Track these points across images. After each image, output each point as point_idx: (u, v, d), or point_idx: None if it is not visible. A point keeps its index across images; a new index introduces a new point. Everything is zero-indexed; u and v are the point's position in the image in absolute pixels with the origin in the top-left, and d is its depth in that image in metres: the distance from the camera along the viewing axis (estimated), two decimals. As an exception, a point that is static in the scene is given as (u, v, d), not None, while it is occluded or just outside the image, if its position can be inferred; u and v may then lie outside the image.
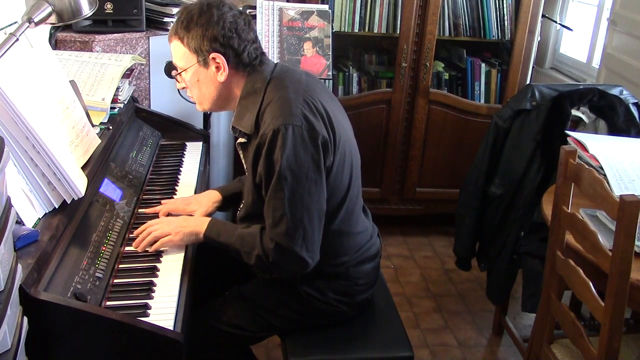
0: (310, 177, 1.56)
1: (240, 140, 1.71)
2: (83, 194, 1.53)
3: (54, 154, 1.45)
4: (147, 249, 1.66)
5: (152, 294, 1.49)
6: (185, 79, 1.70)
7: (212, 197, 1.93)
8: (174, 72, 1.73)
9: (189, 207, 1.87)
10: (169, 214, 1.83)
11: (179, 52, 1.67)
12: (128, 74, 2.23)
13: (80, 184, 1.53)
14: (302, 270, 1.62)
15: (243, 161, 1.77)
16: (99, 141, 1.84)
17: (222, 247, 1.69)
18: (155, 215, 1.82)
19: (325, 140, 1.58)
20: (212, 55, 1.62)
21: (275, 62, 1.75)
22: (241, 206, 1.80)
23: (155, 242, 1.66)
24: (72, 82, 1.87)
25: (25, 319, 1.13)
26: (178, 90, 2.68)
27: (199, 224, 1.70)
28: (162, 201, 1.89)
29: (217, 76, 1.65)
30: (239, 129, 1.67)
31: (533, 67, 3.34)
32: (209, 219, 1.72)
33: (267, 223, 1.60)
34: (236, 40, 1.62)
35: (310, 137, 1.55)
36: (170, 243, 1.67)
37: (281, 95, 1.60)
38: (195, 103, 1.77)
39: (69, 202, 1.50)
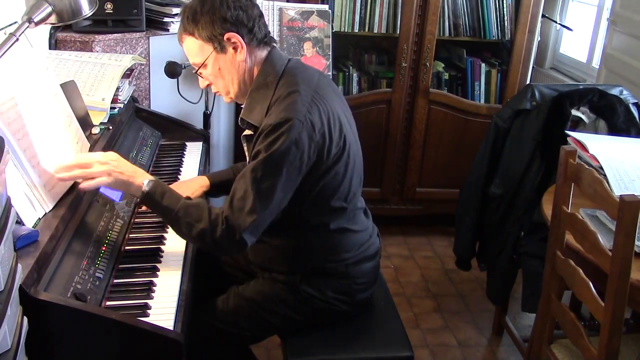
0: (290, 174, 1.54)
1: (247, 132, 1.71)
2: (50, 209, 1.48)
3: (28, 163, 1.43)
4: (144, 249, 1.65)
5: (152, 294, 1.49)
6: (207, 74, 1.68)
7: (200, 182, 1.94)
8: (193, 71, 1.71)
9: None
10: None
11: (193, 48, 1.66)
12: (128, 74, 2.23)
13: (49, 198, 1.48)
14: (237, 252, 1.60)
15: (247, 154, 1.77)
16: (89, 145, 1.82)
17: (161, 211, 1.60)
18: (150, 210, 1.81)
19: (320, 144, 1.58)
20: (227, 35, 1.61)
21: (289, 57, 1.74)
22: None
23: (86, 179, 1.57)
24: (72, 82, 1.87)
25: (25, 319, 1.13)
26: (178, 90, 2.68)
27: (136, 175, 1.60)
28: None
29: (237, 56, 1.64)
30: (248, 121, 1.66)
31: (533, 67, 3.34)
32: (153, 177, 1.63)
33: (228, 197, 1.57)
34: (244, 16, 1.62)
35: (307, 137, 1.54)
36: (98, 179, 1.55)
37: (290, 92, 1.59)
38: (222, 95, 1.75)
39: (41, 217, 1.45)
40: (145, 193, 1.58)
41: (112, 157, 1.61)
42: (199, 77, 1.72)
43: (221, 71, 1.67)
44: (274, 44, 1.73)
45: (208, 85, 1.74)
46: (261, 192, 1.53)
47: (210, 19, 1.60)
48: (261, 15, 1.68)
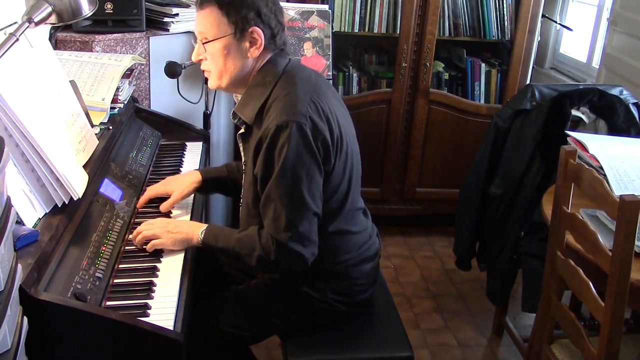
0: (310, 175, 1.56)
1: (241, 131, 1.71)
2: (81, 195, 1.53)
3: (49, 155, 1.44)
4: (144, 248, 1.66)
5: (152, 294, 1.49)
6: (210, 49, 1.64)
7: (192, 178, 1.93)
8: (201, 40, 1.65)
9: (167, 188, 1.88)
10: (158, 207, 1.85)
11: (213, 20, 1.61)
12: (128, 74, 2.23)
13: (78, 185, 1.53)
14: (302, 266, 1.62)
15: (242, 154, 1.77)
16: (97, 142, 1.84)
17: (221, 252, 1.71)
18: (149, 210, 1.85)
19: (326, 142, 1.58)
20: (252, 29, 1.60)
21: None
22: (241, 202, 1.80)
23: (147, 242, 1.66)
24: (72, 82, 1.87)
25: (25, 319, 1.13)
26: (178, 90, 2.68)
27: (192, 230, 1.69)
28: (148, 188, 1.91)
29: (250, 51, 1.63)
30: (240, 116, 1.67)
31: (533, 67, 3.34)
32: (204, 225, 1.71)
33: (264, 220, 1.60)
34: (275, 20, 1.63)
35: (313, 137, 1.55)
36: (162, 245, 1.66)
37: (288, 93, 1.60)
38: (208, 78, 1.72)
39: (67, 203, 1.50)
40: (203, 243, 1.68)
41: (168, 222, 1.72)
42: (196, 47, 1.69)
43: (226, 56, 1.63)
44: (287, 55, 1.73)
45: (200, 61, 1.70)
46: (292, 204, 1.55)
47: (248, 5, 1.59)
48: (284, 28, 1.69)
